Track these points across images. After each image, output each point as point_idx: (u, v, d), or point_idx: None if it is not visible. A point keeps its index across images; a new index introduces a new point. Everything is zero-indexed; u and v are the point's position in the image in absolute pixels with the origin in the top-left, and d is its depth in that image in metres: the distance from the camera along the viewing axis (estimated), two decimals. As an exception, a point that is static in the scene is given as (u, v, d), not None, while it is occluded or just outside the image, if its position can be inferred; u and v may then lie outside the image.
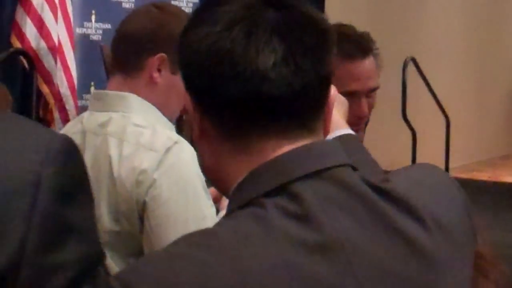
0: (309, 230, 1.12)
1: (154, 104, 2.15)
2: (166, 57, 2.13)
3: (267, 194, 1.16)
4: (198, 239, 1.13)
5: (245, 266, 1.09)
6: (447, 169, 7.96)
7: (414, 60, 7.98)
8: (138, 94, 2.14)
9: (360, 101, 2.31)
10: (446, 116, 8.39)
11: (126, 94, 2.14)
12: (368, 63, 2.37)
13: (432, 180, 1.28)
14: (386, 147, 7.74)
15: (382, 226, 1.16)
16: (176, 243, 1.14)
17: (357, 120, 2.29)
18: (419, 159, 8.16)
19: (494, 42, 9.88)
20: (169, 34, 2.11)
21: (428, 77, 8.17)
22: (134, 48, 2.15)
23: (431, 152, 8.33)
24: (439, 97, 8.30)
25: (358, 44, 2.35)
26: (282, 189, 1.16)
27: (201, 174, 2.03)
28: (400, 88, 7.83)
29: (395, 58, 7.77)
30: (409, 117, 7.93)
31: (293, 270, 1.09)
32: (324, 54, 1.22)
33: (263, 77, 1.17)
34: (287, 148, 1.20)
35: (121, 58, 2.18)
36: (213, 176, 1.28)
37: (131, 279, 1.08)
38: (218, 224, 1.19)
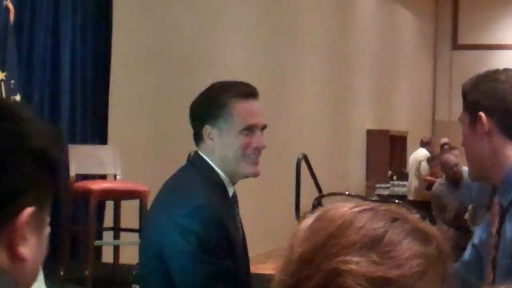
0: None
1: None
2: None
3: None
4: None
5: None
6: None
7: (305, 157, 8.43)
8: None
9: (258, 134, 2.65)
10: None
11: None
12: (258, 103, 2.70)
13: None
14: (279, 237, 7.99)
15: None
16: None
17: (256, 151, 2.64)
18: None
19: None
20: None
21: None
22: None
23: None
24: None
25: (251, 87, 2.69)
26: None
27: None
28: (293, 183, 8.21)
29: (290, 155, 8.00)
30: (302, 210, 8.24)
31: None
32: None
33: None
34: None
35: None
36: None
37: None
38: None
